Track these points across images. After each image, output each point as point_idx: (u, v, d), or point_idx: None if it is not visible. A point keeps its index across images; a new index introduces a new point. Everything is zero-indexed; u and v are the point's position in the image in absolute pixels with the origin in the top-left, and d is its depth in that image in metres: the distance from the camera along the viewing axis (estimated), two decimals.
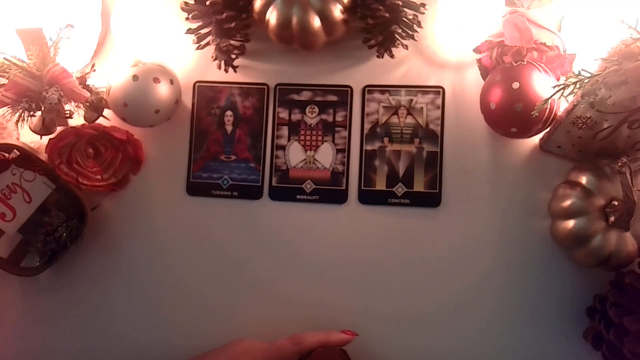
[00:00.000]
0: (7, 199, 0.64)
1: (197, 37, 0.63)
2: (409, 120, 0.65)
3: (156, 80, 0.60)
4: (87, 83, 0.62)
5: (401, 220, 0.64)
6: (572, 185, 0.56)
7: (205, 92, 0.67)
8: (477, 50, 0.59)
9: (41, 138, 0.64)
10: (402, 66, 0.65)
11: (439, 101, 0.64)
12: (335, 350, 0.58)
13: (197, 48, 0.63)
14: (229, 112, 0.67)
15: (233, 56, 0.64)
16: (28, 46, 0.58)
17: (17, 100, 0.57)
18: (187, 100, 0.67)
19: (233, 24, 0.61)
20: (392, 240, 0.64)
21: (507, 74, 0.54)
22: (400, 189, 0.64)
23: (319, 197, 0.65)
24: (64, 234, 0.62)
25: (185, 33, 0.63)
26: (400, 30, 0.60)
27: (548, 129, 0.57)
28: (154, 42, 0.65)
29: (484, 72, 0.60)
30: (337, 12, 0.58)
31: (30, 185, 0.64)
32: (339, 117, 0.66)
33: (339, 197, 0.65)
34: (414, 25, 0.60)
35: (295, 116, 0.66)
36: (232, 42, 0.63)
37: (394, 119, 0.65)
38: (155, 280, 0.66)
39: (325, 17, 0.58)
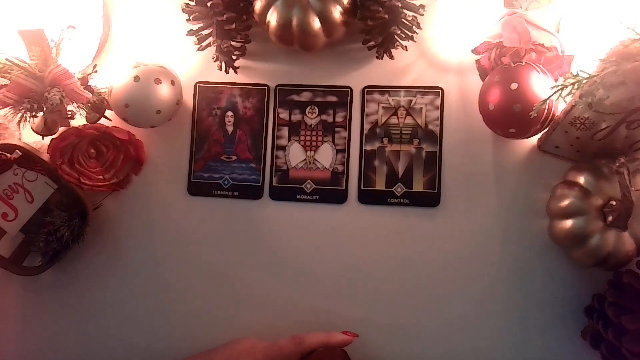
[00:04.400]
0: (9, 199, 0.64)
1: (198, 39, 0.63)
2: (408, 120, 0.65)
3: (157, 81, 0.60)
4: (88, 84, 0.62)
5: (400, 220, 0.64)
6: (570, 185, 0.56)
7: (206, 92, 0.68)
8: (475, 51, 0.60)
9: (43, 138, 0.64)
10: (402, 67, 0.65)
11: (438, 102, 0.64)
12: (336, 351, 0.58)
13: (198, 49, 0.64)
14: (229, 113, 0.67)
15: (234, 57, 0.64)
16: (30, 47, 0.58)
17: (19, 100, 0.57)
18: (188, 101, 0.67)
19: (234, 25, 0.61)
20: (391, 240, 0.64)
21: (505, 75, 0.55)
22: (399, 189, 0.64)
23: (319, 197, 0.65)
24: (66, 234, 0.63)
25: (186, 34, 0.63)
26: (399, 32, 0.60)
27: (546, 130, 0.58)
28: (155, 44, 0.65)
29: (483, 73, 0.60)
30: (336, 13, 0.59)
31: (32, 185, 0.65)
32: (339, 118, 0.66)
33: (339, 197, 0.65)
34: (413, 27, 0.60)
35: (296, 117, 0.67)
36: (232, 43, 0.63)
37: (394, 120, 0.65)
38: (156, 279, 0.67)
39: (325, 19, 0.59)
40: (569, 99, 0.51)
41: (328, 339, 0.58)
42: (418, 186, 0.64)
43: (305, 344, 0.57)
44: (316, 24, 0.59)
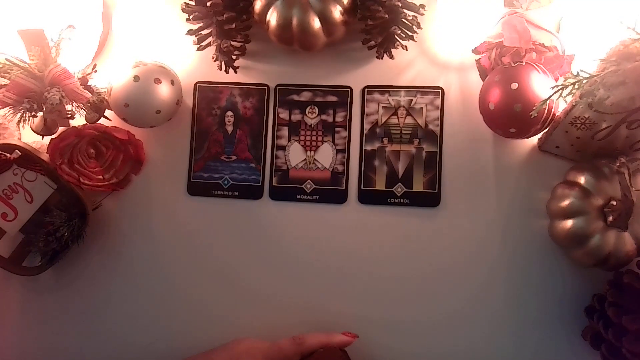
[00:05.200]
0: (8, 199, 0.64)
1: (198, 38, 0.63)
2: (409, 120, 0.65)
3: (157, 80, 0.60)
4: (88, 84, 0.62)
5: (400, 220, 0.64)
6: (571, 185, 0.56)
7: (205, 92, 0.68)
8: (476, 51, 0.60)
9: (43, 138, 0.64)
10: (402, 67, 0.65)
11: (438, 102, 0.64)
12: (336, 352, 0.58)
13: (198, 49, 0.64)
14: (229, 113, 0.67)
15: (234, 57, 0.64)
16: (30, 47, 0.58)
17: (18, 100, 0.57)
18: (188, 100, 0.67)
19: (234, 25, 0.61)
20: (391, 240, 0.64)
21: (506, 75, 0.55)
22: (399, 189, 0.64)
23: (319, 197, 0.65)
24: (66, 234, 0.63)
25: (186, 34, 0.63)
26: (399, 31, 0.60)
27: (547, 130, 0.58)
28: (155, 43, 0.65)
29: (483, 72, 0.60)
30: (337, 13, 0.59)
31: (31, 185, 0.65)
32: (339, 118, 0.66)
33: (339, 197, 0.65)
34: (414, 26, 0.60)
35: (296, 116, 0.66)
36: (232, 43, 0.63)
37: (394, 120, 0.65)
38: (155, 279, 0.67)
39: (325, 18, 0.59)
40: (569, 98, 0.51)
41: (328, 339, 0.58)
42: (418, 186, 0.64)
43: (306, 344, 0.57)
44: (316, 23, 0.59)
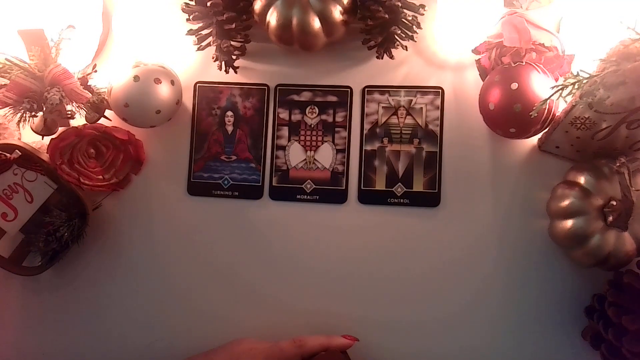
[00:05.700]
0: (8, 199, 0.64)
1: (198, 38, 0.63)
2: (409, 120, 0.65)
3: (157, 80, 0.60)
4: (88, 84, 0.62)
5: (400, 220, 0.64)
6: (571, 185, 0.56)
7: (205, 92, 0.68)
8: (476, 51, 0.60)
9: (43, 138, 0.64)
10: (402, 67, 0.65)
11: (438, 102, 0.64)
12: (337, 355, 0.58)
13: (198, 49, 0.64)
14: (229, 113, 0.67)
15: (234, 57, 0.64)
16: (30, 47, 0.58)
17: (18, 100, 0.57)
18: (188, 100, 0.67)
19: (234, 25, 0.61)
20: (391, 240, 0.64)
21: (505, 75, 0.55)
22: (399, 189, 0.64)
23: (319, 197, 0.65)
24: (66, 234, 0.62)
25: (186, 34, 0.63)
26: (399, 31, 0.60)
27: (546, 130, 0.58)
28: (155, 43, 0.65)
29: (483, 72, 0.60)
30: (337, 13, 0.59)
31: (31, 185, 0.65)
32: (339, 118, 0.66)
33: (339, 197, 0.65)
34: (413, 26, 0.60)
35: (296, 116, 0.66)
36: (232, 43, 0.63)
37: (394, 120, 0.65)
38: (155, 280, 0.67)
39: (325, 18, 0.59)
40: (569, 98, 0.51)
41: (329, 342, 0.58)
42: (418, 186, 0.64)
43: (306, 347, 0.57)
44: (316, 23, 0.59)
